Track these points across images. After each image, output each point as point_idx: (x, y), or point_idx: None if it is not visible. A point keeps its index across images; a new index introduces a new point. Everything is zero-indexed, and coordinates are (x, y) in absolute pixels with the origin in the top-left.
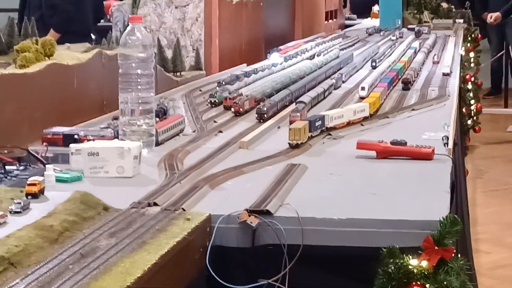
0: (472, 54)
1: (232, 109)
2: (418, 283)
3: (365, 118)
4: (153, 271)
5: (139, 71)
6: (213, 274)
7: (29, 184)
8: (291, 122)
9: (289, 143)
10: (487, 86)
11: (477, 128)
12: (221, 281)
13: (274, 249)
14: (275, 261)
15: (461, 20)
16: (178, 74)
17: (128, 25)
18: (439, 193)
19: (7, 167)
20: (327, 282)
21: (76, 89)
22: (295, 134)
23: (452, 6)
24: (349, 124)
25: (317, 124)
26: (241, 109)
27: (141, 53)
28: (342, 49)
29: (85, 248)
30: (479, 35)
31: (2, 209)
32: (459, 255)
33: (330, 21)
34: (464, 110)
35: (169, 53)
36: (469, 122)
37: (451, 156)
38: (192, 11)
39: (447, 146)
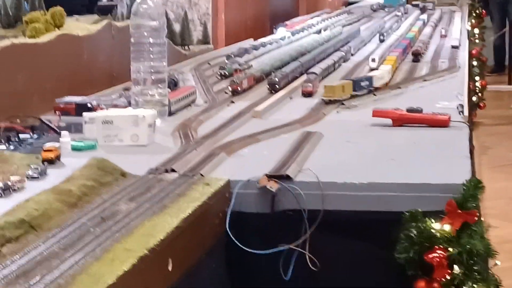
0: (476, 30)
1: (230, 88)
2: (441, 247)
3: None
4: (175, 234)
5: (151, 40)
6: (234, 239)
7: (46, 151)
8: (303, 93)
9: (322, 99)
10: (490, 63)
11: (482, 105)
12: (241, 246)
13: (293, 214)
14: (295, 227)
15: None
16: (186, 47)
17: (134, 1)
18: (459, 158)
19: (21, 136)
20: (348, 248)
21: (86, 60)
22: (329, 91)
23: None
24: (387, 85)
25: (362, 84)
26: (239, 88)
27: (153, 22)
28: (349, 24)
29: (105, 212)
30: (484, 11)
31: (20, 174)
32: (482, 219)
33: None
34: (470, 85)
35: (176, 27)
36: (474, 98)
37: (468, 123)
38: None
39: (463, 114)
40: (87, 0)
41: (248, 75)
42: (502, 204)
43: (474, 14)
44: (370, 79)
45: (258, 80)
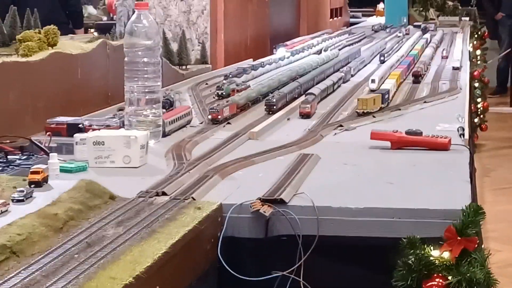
0: (479, 52)
1: (209, 116)
2: (440, 275)
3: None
4: (163, 261)
5: (145, 60)
6: (225, 265)
7: (32, 172)
8: (301, 114)
9: (356, 112)
10: (493, 85)
11: (483, 127)
12: (233, 273)
13: (288, 240)
14: (289, 253)
15: (467, 18)
16: (183, 67)
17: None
18: (459, 182)
19: (9, 157)
20: (344, 274)
21: (80, 80)
22: (363, 104)
23: (458, 4)
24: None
25: (386, 96)
26: (219, 117)
27: (147, 41)
28: (349, 45)
29: (92, 237)
30: (486, 33)
31: (4, 197)
32: (482, 246)
33: (335, 18)
34: (472, 107)
35: (174, 46)
36: (476, 120)
37: (468, 146)
38: (197, 4)
39: (463, 136)
40: None
41: (230, 102)
42: (504, 227)
43: (476, 36)
44: (388, 92)
45: (243, 108)
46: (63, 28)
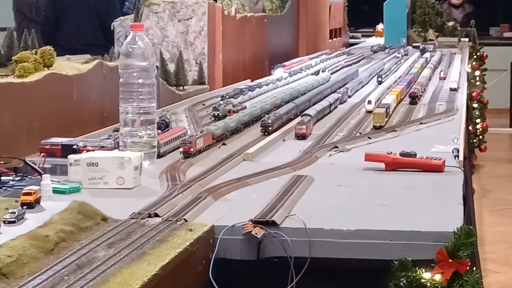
0: (477, 73)
1: (181, 149)
2: None
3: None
4: (153, 283)
5: (140, 81)
6: (217, 287)
7: (24, 194)
8: (296, 135)
9: (374, 125)
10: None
11: (483, 147)
12: None
13: (280, 261)
14: (281, 275)
15: (467, 39)
16: (181, 88)
17: None
18: (451, 205)
19: (2, 178)
20: None
21: (75, 100)
22: (379, 118)
23: (457, 25)
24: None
25: (388, 110)
26: (191, 149)
27: (142, 62)
28: (347, 66)
29: (82, 259)
30: (485, 54)
31: None
32: (474, 268)
33: (335, 39)
34: (470, 128)
35: (171, 67)
36: (475, 141)
37: (463, 168)
38: (195, 24)
39: (458, 158)
40: None
41: (204, 133)
42: (503, 248)
43: (475, 56)
44: (388, 106)
45: (219, 138)
46: (103, 49)
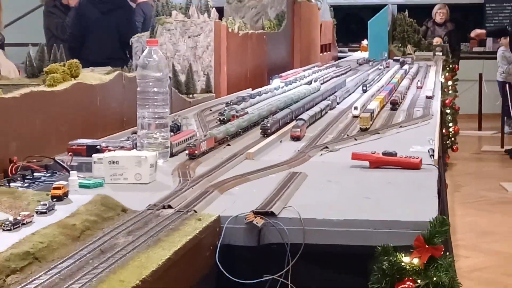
0: (450, 82)
1: (186, 152)
2: (410, 278)
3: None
4: (166, 266)
5: (155, 89)
6: (223, 270)
7: (54, 188)
8: (292, 137)
9: (360, 128)
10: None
11: (455, 148)
12: (229, 277)
13: (277, 247)
14: (278, 259)
15: (440, 53)
16: (190, 96)
17: None
18: (428, 198)
19: (35, 174)
20: (326, 278)
21: (98, 107)
22: (364, 121)
23: (439, 41)
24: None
25: (372, 115)
26: (196, 152)
27: (157, 73)
28: (336, 76)
29: (105, 245)
30: (456, 66)
31: (29, 210)
32: (447, 253)
33: (325, 53)
34: (443, 131)
35: (182, 78)
36: (448, 142)
37: (437, 166)
38: (203, 40)
39: (433, 157)
40: None
41: (207, 137)
42: (472, 236)
43: (448, 68)
44: (373, 111)
45: (221, 141)
46: (122, 62)
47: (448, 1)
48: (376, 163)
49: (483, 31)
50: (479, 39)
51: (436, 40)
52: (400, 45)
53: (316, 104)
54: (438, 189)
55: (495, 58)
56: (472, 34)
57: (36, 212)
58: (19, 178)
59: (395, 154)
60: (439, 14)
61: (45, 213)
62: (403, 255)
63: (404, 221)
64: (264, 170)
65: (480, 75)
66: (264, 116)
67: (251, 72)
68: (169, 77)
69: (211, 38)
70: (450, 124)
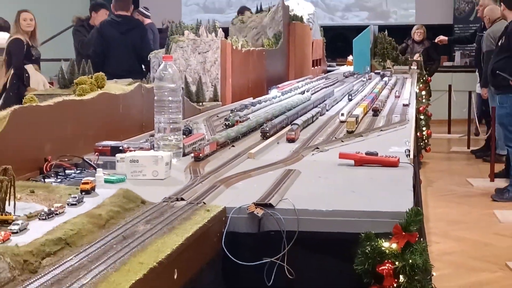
0: (424, 92)
1: (192, 155)
2: (390, 261)
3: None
4: (180, 250)
5: (170, 98)
6: (228, 253)
7: (83, 183)
8: (287, 139)
9: (347, 130)
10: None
11: (427, 149)
12: (234, 259)
13: (275, 234)
14: (276, 244)
15: (415, 67)
16: (200, 104)
17: None
18: (404, 191)
19: (67, 171)
20: (317, 261)
21: (121, 113)
22: (350, 125)
23: (408, 56)
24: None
25: (357, 120)
26: (200, 155)
27: (172, 84)
28: (325, 87)
29: (126, 232)
30: (429, 79)
31: (62, 202)
32: (421, 239)
33: (316, 67)
34: (418, 134)
35: (193, 88)
36: (422, 143)
37: (412, 164)
38: (211, 56)
39: (409, 156)
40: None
41: (210, 141)
42: (443, 225)
43: (421, 80)
44: (357, 116)
45: (222, 145)
46: (138, 74)
47: (423, 22)
48: (360, 162)
49: (446, 37)
50: (442, 43)
51: (416, 56)
52: (380, 60)
53: (308, 111)
54: (413, 184)
55: (463, 71)
56: (437, 39)
57: (67, 204)
58: (53, 175)
59: (376, 154)
60: (417, 34)
61: (75, 204)
62: (383, 240)
63: (384, 212)
64: (264, 168)
65: (450, 86)
66: (261, 123)
67: (252, 83)
68: (182, 87)
69: (218, 54)
70: (424, 128)
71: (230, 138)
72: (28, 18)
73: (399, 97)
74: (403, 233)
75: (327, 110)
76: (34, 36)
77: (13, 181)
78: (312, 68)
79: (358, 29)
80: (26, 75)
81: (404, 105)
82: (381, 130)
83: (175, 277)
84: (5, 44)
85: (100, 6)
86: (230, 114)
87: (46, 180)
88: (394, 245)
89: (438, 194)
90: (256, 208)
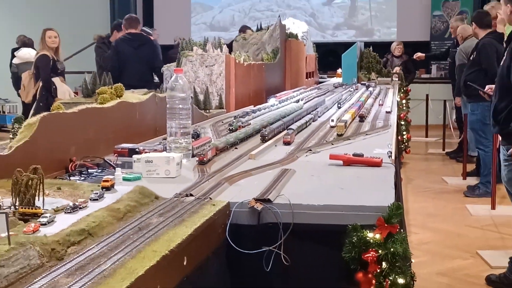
0: (404, 101)
1: (197, 159)
2: (374, 249)
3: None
4: (189, 240)
5: (180, 106)
6: (231, 243)
7: (104, 181)
8: (284, 142)
9: (337, 134)
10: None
11: (407, 151)
12: (236, 248)
13: (272, 226)
14: (273, 234)
15: (397, 78)
16: (207, 111)
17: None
18: (387, 188)
19: (89, 170)
20: (310, 249)
21: (137, 119)
22: (340, 129)
23: (391, 69)
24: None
25: (346, 124)
26: (205, 159)
27: (182, 94)
28: (318, 96)
29: (142, 223)
30: (408, 89)
31: (85, 197)
32: (401, 230)
33: (309, 78)
34: (399, 137)
35: (201, 97)
36: (402, 146)
37: (394, 164)
38: (217, 69)
39: (391, 157)
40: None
41: (212, 147)
42: (421, 217)
43: (402, 90)
44: (346, 121)
45: (221, 150)
46: (151, 84)
47: (403, 39)
48: (348, 162)
49: (423, 54)
50: (420, 60)
51: (396, 69)
52: (366, 72)
53: (302, 117)
54: (395, 181)
55: (438, 82)
56: (415, 56)
57: (90, 199)
58: (77, 173)
59: (362, 155)
60: (397, 49)
61: (96, 200)
62: (368, 231)
63: (369, 206)
64: (263, 167)
65: (427, 96)
66: (257, 130)
67: (253, 93)
68: (191, 96)
69: (223, 67)
70: (404, 133)
71: (228, 143)
72: (53, 36)
73: (382, 105)
74: (386, 225)
75: (319, 117)
76: (58, 52)
77: (42, 179)
78: (306, 79)
79: (346, 45)
80: (54, 87)
81: (386, 112)
82: (367, 134)
83: (185, 263)
84: (33, 59)
85: (121, 26)
86: (234, 120)
87: (71, 178)
88: (377, 236)
89: (416, 191)
90: (256, 203)
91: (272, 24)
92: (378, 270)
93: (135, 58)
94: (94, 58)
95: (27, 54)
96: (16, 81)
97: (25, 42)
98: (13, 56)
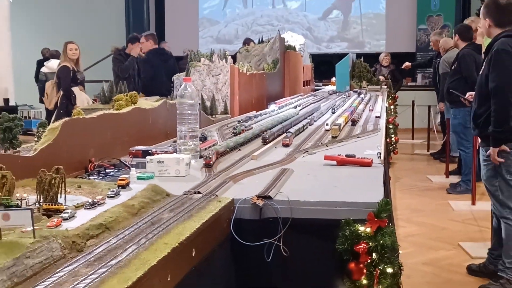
0: (392, 107)
1: (204, 162)
2: (364, 242)
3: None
4: (197, 233)
5: (189, 112)
6: (235, 236)
7: (120, 180)
8: (283, 144)
9: (332, 136)
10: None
11: (395, 152)
12: (240, 240)
13: (273, 220)
14: (273, 228)
15: (385, 86)
16: (213, 116)
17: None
18: (376, 186)
19: (107, 170)
20: (307, 241)
21: (150, 124)
22: (334, 131)
23: (380, 78)
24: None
25: (339, 127)
26: (211, 162)
27: (191, 101)
28: (314, 102)
29: (154, 218)
30: (396, 95)
31: (102, 195)
32: (390, 224)
33: (306, 86)
34: (388, 140)
35: (208, 103)
36: (391, 147)
37: (383, 164)
38: (222, 78)
39: (380, 158)
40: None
41: (214, 151)
42: (408, 212)
43: (390, 97)
44: (340, 125)
45: (222, 154)
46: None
47: (391, 51)
48: (341, 162)
49: (410, 64)
50: (407, 69)
51: (381, 78)
52: (357, 81)
53: (300, 121)
54: (384, 180)
55: (424, 90)
56: (404, 65)
57: (107, 196)
58: (95, 173)
59: (354, 156)
60: (385, 59)
61: (113, 197)
62: (359, 225)
63: (360, 202)
64: (264, 167)
65: (413, 102)
66: (256, 134)
67: (255, 100)
68: (199, 103)
69: (228, 77)
70: (392, 135)
71: (229, 147)
72: (74, 48)
73: (372, 110)
74: (376, 219)
75: (315, 121)
76: (78, 63)
77: (64, 178)
78: (303, 87)
79: (339, 56)
80: (73, 95)
81: (376, 116)
82: (358, 137)
83: (193, 255)
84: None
85: (135, 39)
86: (237, 124)
87: (90, 177)
88: (368, 229)
89: (403, 188)
90: (258, 199)
91: (273, 37)
92: (369, 261)
93: (164, 70)
94: (111, 68)
95: (55, 64)
96: (44, 88)
97: (53, 54)
98: (39, 66)
